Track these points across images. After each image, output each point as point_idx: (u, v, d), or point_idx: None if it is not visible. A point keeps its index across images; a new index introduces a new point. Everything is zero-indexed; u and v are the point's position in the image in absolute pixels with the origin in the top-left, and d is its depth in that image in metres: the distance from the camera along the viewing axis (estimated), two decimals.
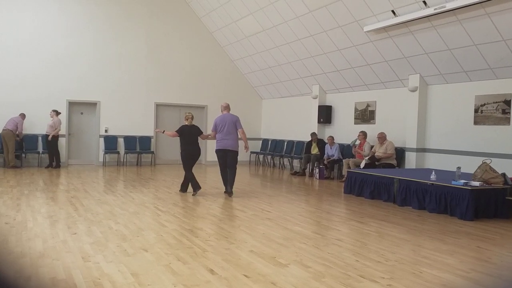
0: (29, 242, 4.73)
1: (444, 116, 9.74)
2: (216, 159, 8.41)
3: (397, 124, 10.67)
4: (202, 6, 14.30)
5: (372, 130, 11.02)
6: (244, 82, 15.87)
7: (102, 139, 13.69)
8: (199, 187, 8.26)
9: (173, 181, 10.08)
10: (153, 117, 14.40)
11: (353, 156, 11.08)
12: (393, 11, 9.01)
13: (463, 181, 6.87)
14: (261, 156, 15.45)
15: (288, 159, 14.16)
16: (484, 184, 6.81)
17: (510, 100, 8.43)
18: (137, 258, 4.27)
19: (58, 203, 7.23)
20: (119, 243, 4.79)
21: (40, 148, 12.81)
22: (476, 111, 9.03)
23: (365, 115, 11.76)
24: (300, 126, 13.99)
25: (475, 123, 9.04)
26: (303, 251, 4.66)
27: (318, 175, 11.56)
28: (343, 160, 11.19)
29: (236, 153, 8.23)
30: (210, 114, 14.43)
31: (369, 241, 5.25)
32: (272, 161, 14.95)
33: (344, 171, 10.48)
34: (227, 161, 8.18)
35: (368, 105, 11.66)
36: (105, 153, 13.58)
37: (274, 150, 14.88)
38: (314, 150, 12.30)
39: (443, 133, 9.73)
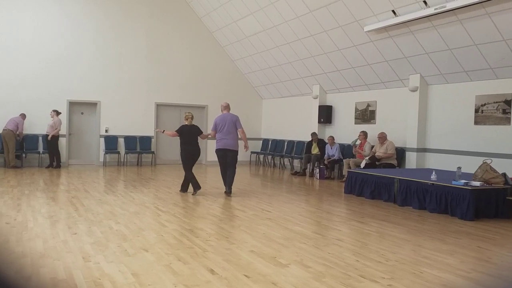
0: (30, 242, 4.74)
1: (445, 116, 9.73)
2: (216, 159, 8.44)
3: (397, 124, 10.66)
4: (203, 6, 14.30)
5: (372, 130, 11.02)
6: (244, 82, 15.87)
7: (102, 139, 13.69)
8: (199, 187, 8.26)
9: (174, 181, 10.08)
10: (153, 117, 14.41)
11: (353, 156, 11.08)
12: (393, 11, 9.01)
13: (463, 181, 6.86)
14: (261, 156, 15.45)
15: (289, 159, 14.16)
16: (485, 184, 6.80)
17: (510, 100, 8.43)
18: (137, 258, 4.27)
19: (59, 203, 7.23)
20: (120, 243, 4.79)
21: (40, 148, 12.81)
22: (476, 111, 9.03)
23: (365, 115, 11.76)
24: (300, 126, 13.99)
25: (476, 123, 9.04)
26: (304, 251, 4.66)
27: (318, 175, 11.56)
28: (344, 160, 11.19)
29: (236, 152, 8.25)
30: (211, 114, 14.43)
31: (369, 241, 5.25)
32: (272, 161, 14.95)
33: (345, 171, 10.48)
34: (227, 161, 8.20)
35: (368, 105, 11.66)
36: (106, 153, 13.58)
37: (275, 150, 14.88)
38: (315, 150, 12.30)
39: (443, 133, 9.73)
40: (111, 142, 13.71)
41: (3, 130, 11.87)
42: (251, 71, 15.19)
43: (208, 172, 12.54)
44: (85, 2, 13.43)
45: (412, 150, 10.22)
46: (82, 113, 13.77)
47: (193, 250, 4.59)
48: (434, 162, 9.87)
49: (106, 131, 13.77)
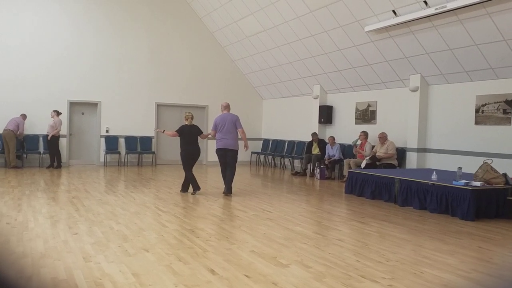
0: (30, 242, 4.74)
1: (445, 116, 9.73)
2: (216, 159, 8.46)
3: (398, 124, 10.66)
4: (203, 6, 14.31)
5: (373, 130, 11.01)
6: (245, 82, 15.87)
7: (103, 139, 13.70)
8: (199, 188, 8.32)
9: (174, 181, 10.08)
10: (154, 117, 14.41)
11: (354, 156, 11.08)
12: (394, 11, 9.00)
13: (464, 181, 6.86)
14: (262, 156, 15.45)
15: (289, 159, 14.16)
16: (485, 184, 6.80)
17: (511, 100, 8.42)
18: (138, 258, 4.27)
19: (59, 203, 7.24)
20: (120, 243, 4.80)
21: (41, 148, 12.82)
22: (477, 111, 9.02)
23: (366, 115, 11.75)
24: (301, 126, 13.99)
25: (476, 123, 9.03)
26: (304, 251, 4.66)
27: (319, 175, 11.56)
28: (344, 160, 11.18)
29: (236, 152, 8.27)
30: (211, 114, 14.42)
31: (370, 241, 5.25)
32: (273, 161, 14.95)
33: (345, 171, 10.48)
34: (227, 160, 8.22)
35: (369, 105, 11.65)
36: (106, 153, 13.59)
37: (275, 150, 14.88)
38: (315, 150, 12.30)
39: (444, 133, 9.73)
40: (111, 142, 13.71)
41: (4, 130, 11.88)
42: (252, 71, 15.20)
43: (209, 172, 12.55)
44: (85, 2, 13.44)
45: (412, 150, 10.21)
46: (82, 113, 13.78)
47: (194, 250, 4.59)
48: (434, 162, 9.86)
49: (107, 131, 13.78)
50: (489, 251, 4.94)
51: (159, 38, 14.43)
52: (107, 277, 3.71)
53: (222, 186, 8.65)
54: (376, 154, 10.16)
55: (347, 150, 11.85)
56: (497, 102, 8.65)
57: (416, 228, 6.00)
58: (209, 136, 8.88)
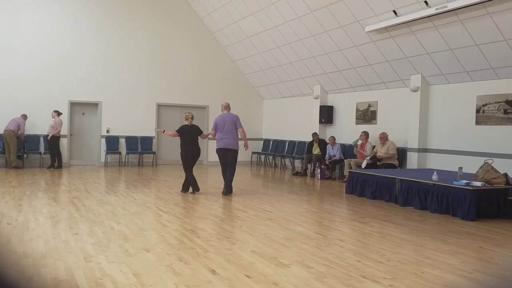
0: (31, 243, 4.74)
1: (446, 116, 9.72)
2: (217, 159, 8.48)
3: (398, 124, 10.66)
4: (204, 7, 14.31)
5: (373, 130, 11.01)
6: (245, 82, 15.87)
7: (103, 140, 13.71)
8: (198, 189, 8.38)
9: (175, 182, 10.08)
10: (154, 118, 14.41)
11: (354, 156, 11.08)
12: (394, 11, 9.00)
13: (465, 181, 6.86)
14: (262, 157, 15.45)
15: (290, 159, 14.16)
16: (486, 184, 6.80)
17: (511, 100, 8.42)
18: (139, 259, 4.27)
19: (60, 203, 7.24)
20: (121, 243, 4.80)
21: (42, 148, 12.83)
22: (477, 111, 9.02)
23: (366, 115, 11.75)
24: (301, 126, 13.99)
25: (477, 123, 9.03)
26: (305, 251, 4.66)
27: (319, 175, 11.56)
28: (345, 160, 11.18)
29: (236, 152, 8.30)
30: (212, 115, 14.41)
31: (370, 241, 5.24)
32: (273, 161, 14.95)
33: (346, 172, 10.48)
34: (227, 160, 8.24)
35: (369, 105, 11.65)
36: (107, 153, 13.59)
37: (276, 151, 14.88)
38: (316, 150, 12.30)
39: (444, 133, 9.72)
40: (112, 143, 13.72)
41: (5, 130, 11.88)
42: (252, 71, 15.20)
43: (209, 172, 12.55)
44: (86, 2, 13.45)
45: (413, 150, 10.21)
46: (83, 114, 13.79)
47: (194, 250, 4.59)
48: (435, 162, 9.86)
49: (107, 131, 13.78)
50: (490, 251, 4.94)
51: (159, 38, 14.43)
52: (108, 277, 3.71)
53: (222, 186, 8.65)
54: (377, 154, 10.16)
55: (347, 150, 11.84)
56: (498, 102, 8.64)
57: (417, 228, 6.00)
58: (210, 136, 8.90)
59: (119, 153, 13.79)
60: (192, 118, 8.54)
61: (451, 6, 7.85)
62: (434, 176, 7.34)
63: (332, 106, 12.91)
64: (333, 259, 4.37)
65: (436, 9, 8.11)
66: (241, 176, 11.55)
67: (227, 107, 8.52)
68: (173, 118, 14.60)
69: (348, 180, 9.09)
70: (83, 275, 3.75)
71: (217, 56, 15.33)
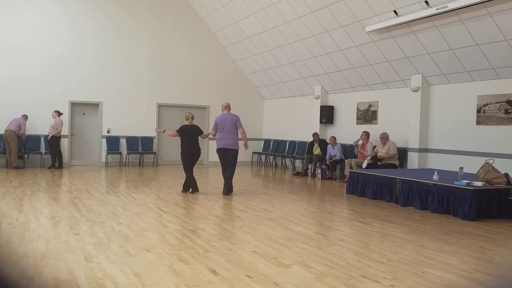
0: (32, 243, 4.74)
1: (447, 116, 9.72)
2: (218, 159, 8.50)
3: (399, 124, 10.65)
4: (204, 7, 14.32)
5: (374, 130, 11.01)
6: (246, 82, 15.87)
7: (104, 140, 13.72)
8: (197, 190, 8.43)
9: (175, 182, 10.08)
10: (155, 118, 14.42)
11: (355, 156, 11.07)
12: (395, 11, 9.00)
13: (465, 181, 6.85)
14: (263, 157, 15.45)
15: (290, 160, 14.15)
16: (487, 184, 6.79)
17: None
18: (139, 259, 4.27)
19: (61, 203, 7.24)
20: (122, 243, 4.80)
21: (42, 148, 12.83)
22: (478, 111, 9.01)
23: (367, 115, 11.75)
24: (302, 127, 13.99)
25: (478, 123, 9.02)
26: (306, 251, 4.66)
27: (320, 175, 11.55)
28: (345, 161, 11.18)
29: (236, 152, 8.31)
30: (212, 115, 14.42)
31: (371, 241, 5.24)
32: (274, 161, 14.95)
33: (346, 172, 10.48)
34: (227, 160, 8.25)
35: (370, 105, 11.65)
36: (108, 153, 13.60)
37: (276, 151, 14.88)
38: (316, 150, 12.30)
39: (445, 133, 9.72)
40: (113, 143, 13.73)
41: (5, 131, 11.89)
42: (253, 71, 15.20)
43: (210, 172, 12.55)
44: (86, 2, 13.45)
45: (414, 150, 10.20)
46: (84, 114, 13.80)
47: (195, 250, 4.59)
48: (436, 162, 9.85)
49: (108, 131, 13.79)
50: (490, 251, 4.93)
51: (160, 39, 14.44)
52: (109, 277, 3.71)
53: (222, 186, 8.65)
54: (378, 154, 10.16)
55: (348, 150, 11.84)
56: (499, 102, 8.64)
57: (418, 228, 6.00)
58: (210, 135, 8.92)
59: (120, 153, 13.80)
60: (193, 118, 8.54)
61: (451, 6, 7.85)
62: (435, 176, 7.33)
63: (332, 106, 12.91)
64: (334, 259, 4.37)
65: (437, 9, 8.10)
66: (241, 176, 11.56)
67: (227, 107, 8.53)
68: (173, 118, 14.60)
69: (349, 180, 9.09)
70: (84, 275, 3.75)
71: (218, 56, 15.34)
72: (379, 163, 9.99)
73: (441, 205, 7.01)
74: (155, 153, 14.21)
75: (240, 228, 5.73)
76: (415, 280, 3.82)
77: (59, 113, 12.54)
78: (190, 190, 8.44)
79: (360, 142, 10.90)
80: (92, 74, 13.53)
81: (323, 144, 12.27)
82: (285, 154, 14.45)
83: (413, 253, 4.74)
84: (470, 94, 9.17)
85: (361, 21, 9.84)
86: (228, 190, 8.31)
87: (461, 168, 7.27)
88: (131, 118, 14.02)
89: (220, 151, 8.32)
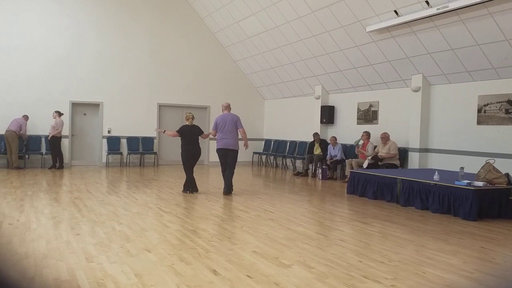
0: (33, 243, 4.75)
1: (447, 116, 9.72)
2: (218, 159, 8.50)
3: (400, 124, 10.65)
4: (205, 7, 14.32)
5: (375, 130, 11.00)
6: (246, 82, 15.87)
7: (105, 140, 13.72)
8: (197, 190, 8.46)
9: (176, 182, 10.08)
10: (155, 118, 14.42)
11: (356, 157, 11.07)
12: (395, 11, 9.00)
13: (466, 181, 6.85)
14: (263, 157, 15.45)
15: (291, 160, 14.15)
16: (488, 184, 6.79)
17: None
18: (140, 259, 4.27)
19: (62, 204, 7.25)
20: (123, 243, 4.80)
21: (43, 149, 12.84)
22: (479, 111, 9.01)
23: (367, 115, 11.74)
24: (302, 127, 13.99)
25: (478, 123, 9.02)
26: (306, 251, 4.66)
27: (320, 175, 11.55)
28: (346, 161, 11.18)
29: (236, 152, 8.32)
30: (213, 115, 14.40)
31: (372, 241, 5.24)
32: (274, 161, 14.95)
33: (347, 172, 10.47)
34: (227, 160, 8.26)
35: (371, 105, 11.64)
36: (108, 154, 13.61)
37: (277, 151, 14.88)
38: (317, 150, 12.30)
39: (446, 133, 9.71)
40: (113, 143, 13.73)
41: (6, 131, 11.90)
42: (253, 71, 15.20)
43: (210, 172, 12.55)
44: (86, 3, 13.46)
45: (414, 150, 10.20)
46: (84, 114, 13.80)
47: (196, 250, 4.59)
48: (436, 162, 9.85)
49: (109, 132, 13.80)
50: (491, 251, 4.93)
51: (160, 39, 14.45)
52: (110, 277, 3.71)
53: (223, 186, 8.65)
54: (378, 154, 10.16)
55: (349, 150, 11.84)
56: (499, 102, 8.63)
57: (419, 228, 5.99)
58: (210, 135, 8.93)
59: (120, 153, 13.80)
60: (193, 118, 8.55)
61: (452, 6, 7.85)
62: (436, 176, 7.33)
63: (333, 106, 12.90)
64: (335, 259, 4.37)
65: (437, 9, 8.10)
66: (242, 176, 11.56)
67: (227, 107, 8.54)
68: (174, 118, 14.61)
69: (350, 180, 9.09)
70: (85, 275, 3.75)
71: (218, 56, 15.34)
72: (379, 163, 9.98)
73: (442, 205, 7.00)
74: (155, 153, 14.21)
75: (241, 228, 5.73)
76: (416, 280, 3.82)
77: (59, 114, 12.54)
78: (190, 190, 8.45)
79: (361, 142, 10.89)
80: (93, 74, 13.54)
81: (323, 144, 12.27)
82: (286, 154, 14.45)
83: (414, 253, 4.74)
84: (470, 94, 9.16)
85: (362, 21, 9.84)
86: (228, 190, 8.32)
87: (462, 168, 7.27)
88: (131, 118, 14.03)
89: (220, 151, 8.33)
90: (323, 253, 4.62)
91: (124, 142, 13.95)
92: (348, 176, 9.54)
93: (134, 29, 14.06)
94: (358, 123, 11.99)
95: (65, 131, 12.89)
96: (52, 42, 13.01)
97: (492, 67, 8.50)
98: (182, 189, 8.60)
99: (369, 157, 10.18)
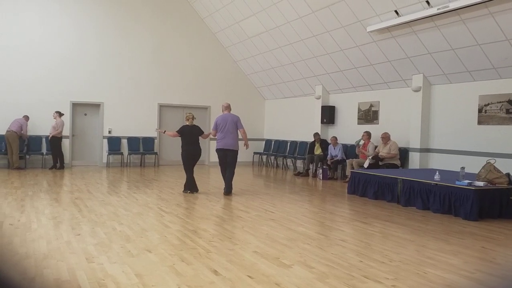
0: (33, 243, 4.75)
1: (448, 116, 9.71)
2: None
3: (400, 124, 10.64)
4: (205, 7, 14.32)
5: (375, 130, 11.00)
6: (247, 82, 15.87)
7: (105, 140, 13.73)
8: (197, 190, 8.47)
9: (177, 182, 10.09)
10: (156, 118, 14.43)
11: (356, 156, 11.06)
12: (396, 11, 8.99)
13: (467, 181, 6.84)
14: (264, 157, 15.45)
15: (291, 160, 14.15)
16: (488, 184, 6.78)
17: None
18: (141, 259, 4.27)
19: (62, 204, 7.25)
20: (123, 244, 4.80)
21: (44, 149, 12.84)
22: (480, 111, 9.00)
23: (368, 115, 11.74)
24: (303, 127, 13.98)
25: (479, 123, 9.01)
26: (307, 251, 4.66)
27: (321, 175, 11.55)
28: (347, 161, 11.17)
29: (236, 152, 8.33)
30: (213, 115, 14.40)
31: (373, 241, 5.24)
32: (275, 161, 14.95)
33: (348, 172, 10.47)
34: (227, 160, 8.26)
35: (371, 105, 11.64)
36: (109, 154, 13.61)
37: (277, 151, 14.88)
38: (317, 150, 12.29)
39: (446, 133, 9.71)
40: (114, 143, 13.74)
41: (7, 131, 11.91)
42: (254, 71, 15.20)
43: (211, 173, 12.54)
44: (87, 3, 13.46)
45: (415, 150, 10.19)
46: (85, 114, 13.81)
47: (197, 251, 4.59)
48: (437, 162, 9.84)
49: (109, 132, 13.80)
50: (492, 251, 4.92)
51: (161, 39, 14.45)
52: (110, 277, 3.71)
53: (223, 186, 8.65)
54: (379, 154, 10.15)
55: (349, 150, 11.83)
56: (500, 102, 8.63)
57: (419, 228, 5.99)
58: (210, 136, 8.93)
59: (121, 153, 13.81)
60: (193, 118, 8.55)
61: (452, 6, 7.84)
62: (436, 176, 7.33)
63: (333, 106, 12.90)
64: (335, 260, 4.37)
65: (438, 9, 8.10)
66: (242, 177, 11.56)
67: (227, 107, 8.54)
68: (174, 118, 14.61)
69: (350, 180, 9.08)
70: (85, 275, 3.75)
71: (219, 56, 15.34)
72: (380, 163, 9.98)
73: (442, 205, 7.00)
74: (156, 153, 14.21)
75: (242, 229, 5.73)
76: (416, 280, 3.82)
77: (60, 114, 12.54)
78: (190, 190, 8.45)
79: (362, 142, 10.89)
80: (93, 75, 13.54)
81: (324, 144, 12.26)
82: (286, 154, 14.44)
83: (415, 253, 4.74)
84: (471, 94, 9.16)
85: (362, 21, 9.83)
86: (228, 190, 8.32)
87: (463, 168, 7.26)
88: (132, 118, 14.03)
89: (220, 151, 8.33)
90: (324, 253, 4.62)
91: (124, 142, 13.95)
92: (349, 176, 9.53)
93: (134, 29, 14.06)
94: (358, 123, 11.99)
95: (66, 131, 12.89)
96: (52, 42, 13.01)
97: (493, 67, 8.49)
98: (183, 189, 8.60)
99: (370, 157, 10.18)
